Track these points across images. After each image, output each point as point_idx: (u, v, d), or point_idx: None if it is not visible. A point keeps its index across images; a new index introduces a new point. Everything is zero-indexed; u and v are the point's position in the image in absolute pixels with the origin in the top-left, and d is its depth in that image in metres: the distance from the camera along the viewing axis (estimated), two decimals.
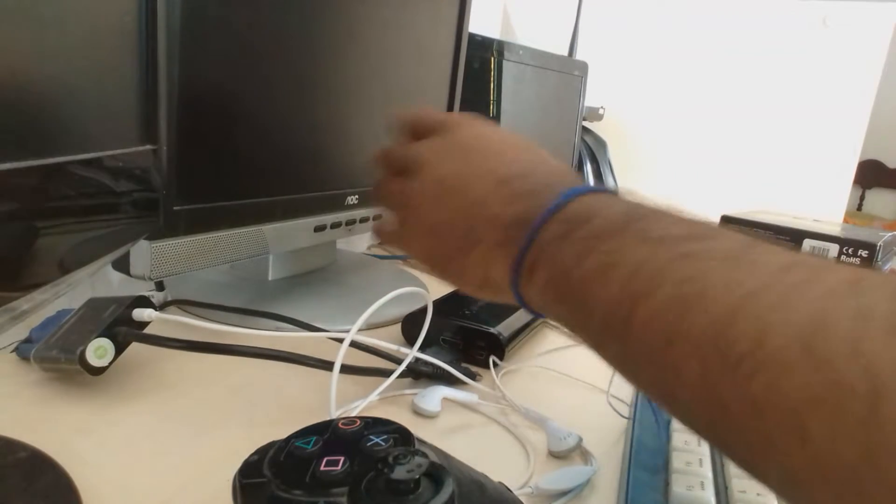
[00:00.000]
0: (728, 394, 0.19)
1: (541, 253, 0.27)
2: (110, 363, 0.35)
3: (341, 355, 0.36)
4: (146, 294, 0.40)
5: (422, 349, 0.41)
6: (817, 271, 0.20)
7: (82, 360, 0.34)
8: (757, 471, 0.20)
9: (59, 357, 0.35)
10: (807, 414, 0.17)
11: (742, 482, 0.30)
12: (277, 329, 0.46)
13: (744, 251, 0.22)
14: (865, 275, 0.19)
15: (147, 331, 0.37)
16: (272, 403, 0.38)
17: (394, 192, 0.35)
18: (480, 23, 0.91)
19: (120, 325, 0.36)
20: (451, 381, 0.42)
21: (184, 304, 0.51)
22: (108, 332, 0.35)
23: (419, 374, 0.42)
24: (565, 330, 0.56)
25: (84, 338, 0.35)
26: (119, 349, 0.36)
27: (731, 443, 0.20)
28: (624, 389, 0.45)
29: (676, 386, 0.21)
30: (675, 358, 0.21)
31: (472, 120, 0.35)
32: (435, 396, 0.39)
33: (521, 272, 0.28)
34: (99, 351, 0.35)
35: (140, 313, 0.37)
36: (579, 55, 1.17)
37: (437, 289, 0.65)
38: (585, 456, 0.36)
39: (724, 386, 0.19)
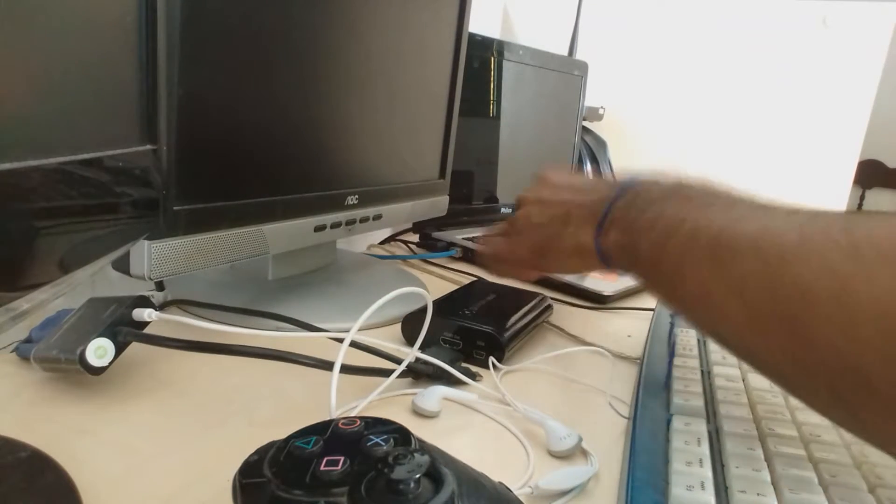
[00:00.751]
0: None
1: (613, 218, 0.39)
2: (110, 363, 0.35)
3: (341, 355, 0.36)
4: (146, 294, 0.40)
5: (422, 349, 0.41)
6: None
7: (82, 360, 0.34)
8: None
9: (59, 357, 0.35)
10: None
11: (742, 482, 0.30)
12: (277, 329, 0.46)
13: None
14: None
15: (147, 331, 0.37)
16: (272, 403, 0.38)
17: (504, 228, 0.51)
18: (480, 23, 0.91)
19: (120, 325, 0.36)
20: (451, 381, 0.42)
21: (184, 304, 0.51)
22: (108, 332, 0.35)
23: (419, 374, 0.42)
24: (565, 330, 0.56)
25: (84, 338, 0.35)
26: (119, 349, 0.36)
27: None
28: (624, 389, 0.45)
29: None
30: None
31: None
32: (435, 396, 0.39)
33: (601, 233, 0.40)
34: (99, 351, 0.35)
35: (140, 313, 0.37)
36: (579, 55, 1.17)
37: (437, 289, 0.65)
38: (585, 456, 0.36)
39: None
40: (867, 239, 0.24)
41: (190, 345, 0.36)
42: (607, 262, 0.41)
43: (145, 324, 0.38)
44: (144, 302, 0.38)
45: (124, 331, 0.36)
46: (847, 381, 0.24)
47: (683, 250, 0.32)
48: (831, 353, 0.24)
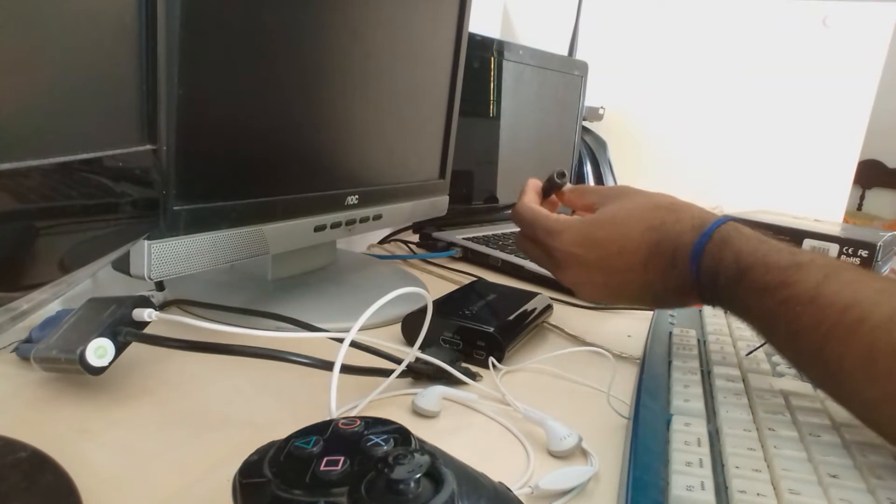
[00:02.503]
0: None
1: (727, 276, 0.39)
2: (110, 363, 0.35)
3: (341, 355, 0.36)
4: (146, 294, 0.40)
5: (422, 349, 0.41)
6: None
7: (82, 360, 0.34)
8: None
9: (59, 357, 0.35)
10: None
11: (742, 482, 0.30)
12: (277, 329, 0.46)
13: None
14: None
15: (147, 331, 0.37)
16: (272, 403, 0.38)
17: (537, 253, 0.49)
18: (480, 23, 0.91)
19: (120, 325, 0.36)
20: (450, 380, 0.42)
21: (184, 304, 0.51)
22: (108, 332, 0.35)
23: (419, 374, 0.42)
24: (565, 330, 0.56)
25: (84, 338, 0.35)
26: (119, 349, 0.36)
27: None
28: (624, 389, 0.45)
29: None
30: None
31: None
32: (435, 396, 0.39)
33: (701, 271, 0.40)
34: (99, 351, 0.35)
35: (140, 313, 0.37)
36: (579, 55, 1.17)
37: (438, 289, 0.65)
38: (585, 456, 0.36)
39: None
40: None
41: (190, 345, 0.36)
42: (702, 296, 0.41)
43: (145, 324, 0.38)
44: (144, 302, 0.38)
45: (124, 331, 0.36)
46: None
47: (828, 323, 0.33)
48: None
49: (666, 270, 0.41)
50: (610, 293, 0.45)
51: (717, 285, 0.39)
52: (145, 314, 0.37)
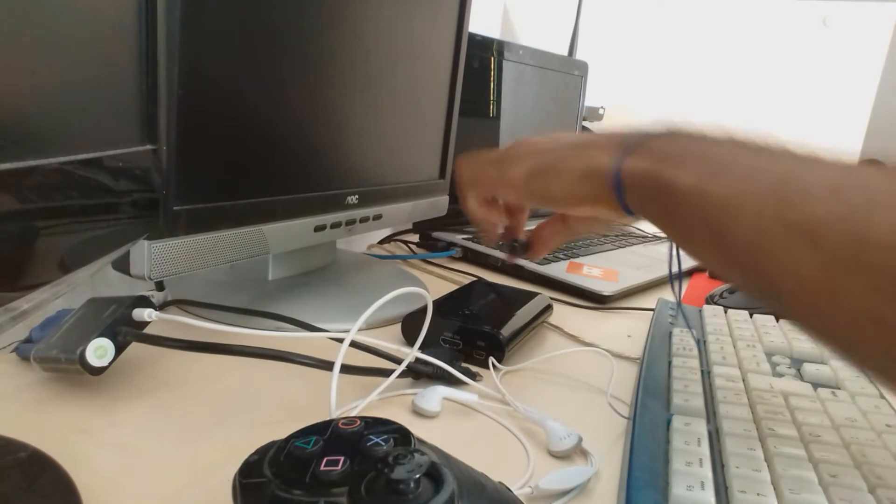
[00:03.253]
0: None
1: (648, 146, 0.34)
2: (110, 363, 0.35)
3: (341, 355, 0.36)
4: (146, 294, 0.40)
5: (422, 349, 0.41)
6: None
7: (82, 360, 0.34)
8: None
9: (59, 357, 0.35)
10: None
11: (742, 482, 0.30)
12: (277, 329, 0.46)
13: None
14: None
15: (147, 331, 0.37)
16: (272, 403, 0.38)
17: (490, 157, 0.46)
18: (480, 23, 0.91)
19: (120, 325, 0.36)
20: (451, 381, 0.42)
21: (184, 304, 0.51)
22: (108, 332, 0.35)
23: (419, 374, 0.42)
24: (565, 330, 0.56)
25: (84, 338, 0.35)
26: (119, 349, 0.36)
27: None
28: (624, 389, 0.45)
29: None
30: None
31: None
32: (435, 396, 0.39)
33: (626, 158, 0.35)
34: (99, 351, 0.35)
35: (140, 313, 0.37)
36: (579, 55, 1.17)
37: (438, 289, 0.65)
38: (585, 456, 0.36)
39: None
40: None
41: (190, 345, 0.36)
42: (620, 191, 0.35)
43: (145, 324, 0.38)
44: (144, 302, 0.38)
45: (124, 331, 0.36)
46: None
47: (738, 189, 0.27)
48: None
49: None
50: (541, 148, 0.42)
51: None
52: (145, 314, 0.37)
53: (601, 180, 0.36)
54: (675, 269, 0.44)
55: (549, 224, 0.49)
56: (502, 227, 0.50)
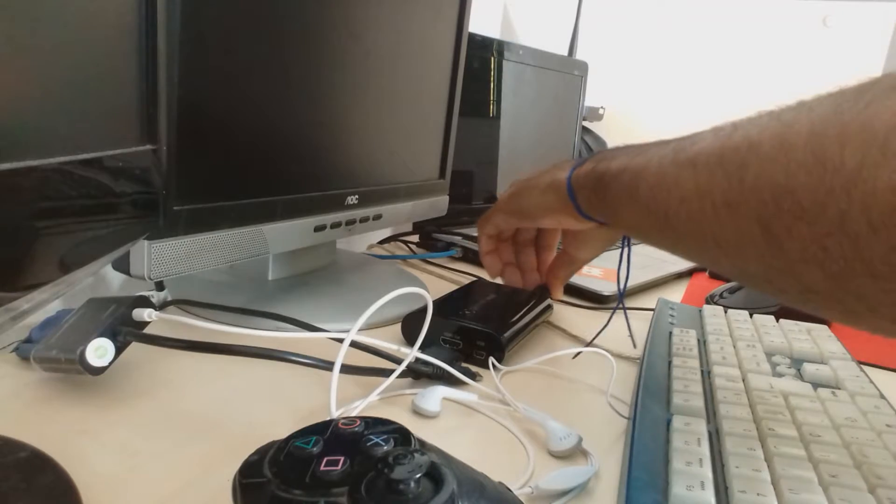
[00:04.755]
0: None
1: (592, 158, 0.44)
2: (110, 363, 0.35)
3: (341, 355, 0.36)
4: (146, 294, 0.40)
5: (422, 349, 0.41)
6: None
7: (82, 360, 0.34)
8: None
9: (59, 357, 0.35)
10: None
11: (742, 482, 0.30)
12: (277, 329, 0.46)
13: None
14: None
15: (147, 331, 0.37)
16: (272, 403, 0.38)
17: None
18: (480, 23, 0.91)
19: (120, 325, 0.36)
20: (451, 381, 0.42)
21: (184, 304, 0.51)
22: (108, 332, 0.35)
23: (419, 374, 0.42)
24: (565, 330, 0.56)
25: (84, 338, 0.35)
26: (119, 349, 0.36)
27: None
28: (624, 389, 0.45)
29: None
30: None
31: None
32: (435, 396, 0.39)
33: (576, 167, 0.45)
34: (99, 351, 0.35)
35: (140, 313, 0.37)
36: (579, 55, 1.17)
37: (438, 289, 0.65)
38: (585, 456, 0.36)
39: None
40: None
41: (190, 345, 0.36)
42: (572, 194, 0.45)
43: (145, 324, 0.38)
44: (144, 302, 0.38)
45: (124, 331, 0.36)
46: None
47: (652, 155, 0.36)
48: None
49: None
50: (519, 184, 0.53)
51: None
52: (145, 314, 0.37)
53: (559, 189, 0.46)
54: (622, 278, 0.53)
55: (557, 261, 0.58)
56: (504, 263, 0.60)
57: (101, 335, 0.35)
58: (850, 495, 0.29)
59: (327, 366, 0.37)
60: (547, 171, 0.49)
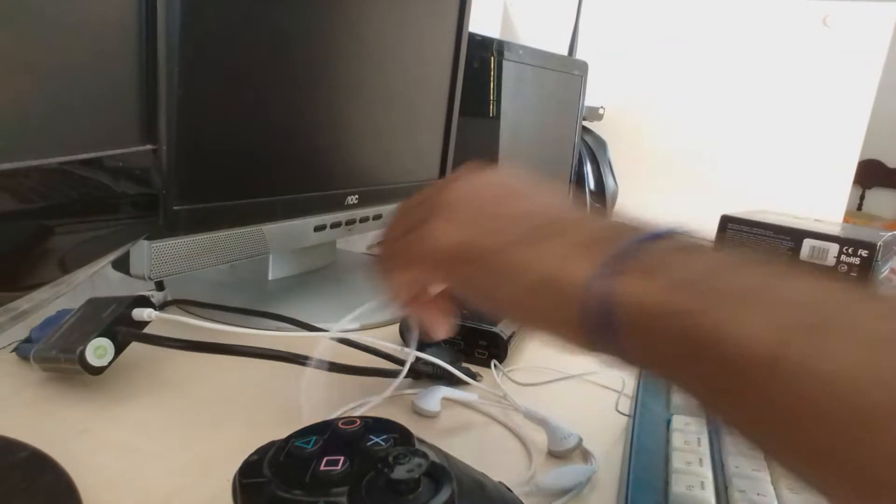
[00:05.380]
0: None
1: (646, 260, 0.22)
2: (110, 363, 0.35)
3: (319, 351, 0.36)
4: (146, 294, 0.40)
5: (422, 349, 0.41)
6: None
7: (82, 360, 0.34)
8: None
9: (59, 357, 0.35)
10: None
11: (742, 482, 0.30)
12: (277, 329, 0.46)
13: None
14: None
15: (147, 331, 0.37)
16: (272, 403, 0.38)
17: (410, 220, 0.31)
18: (480, 23, 0.91)
19: (120, 324, 0.36)
20: (451, 380, 0.42)
21: (184, 304, 0.51)
22: (108, 332, 0.35)
23: (419, 374, 0.42)
24: None
25: (84, 338, 0.35)
26: (119, 349, 0.36)
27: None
28: (625, 389, 0.45)
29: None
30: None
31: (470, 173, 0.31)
32: (435, 396, 0.39)
33: (613, 272, 0.22)
34: (99, 351, 0.35)
35: (140, 313, 0.37)
36: (579, 55, 1.17)
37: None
38: (585, 455, 0.36)
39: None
40: None
41: (190, 345, 0.36)
42: (607, 327, 0.23)
43: (145, 324, 0.38)
44: (144, 302, 0.38)
45: (124, 331, 0.36)
46: None
47: (850, 359, 0.17)
48: None
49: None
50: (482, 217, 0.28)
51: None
52: (145, 314, 0.37)
53: (567, 300, 0.24)
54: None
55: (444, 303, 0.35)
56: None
57: (100, 335, 0.35)
58: None
59: (327, 366, 0.37)
60: (533, 231, 0.26)
